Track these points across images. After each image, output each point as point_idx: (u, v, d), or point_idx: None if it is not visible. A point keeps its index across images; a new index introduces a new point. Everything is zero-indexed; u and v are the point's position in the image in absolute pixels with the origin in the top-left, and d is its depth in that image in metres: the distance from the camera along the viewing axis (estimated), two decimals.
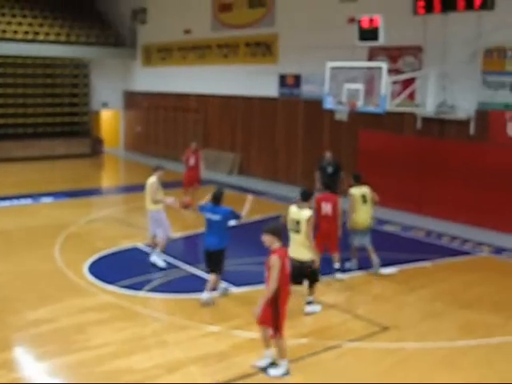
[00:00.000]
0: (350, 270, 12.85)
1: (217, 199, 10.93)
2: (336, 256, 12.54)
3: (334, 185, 15.41)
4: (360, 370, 8.73)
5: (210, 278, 10.98)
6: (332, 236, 12.39)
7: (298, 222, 10.30)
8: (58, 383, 8.25)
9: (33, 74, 30.07)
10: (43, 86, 30.49)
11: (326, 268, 12.32)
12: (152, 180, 13.06)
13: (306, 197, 10.59)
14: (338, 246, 12.48)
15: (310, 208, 10.60)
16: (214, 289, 11.03)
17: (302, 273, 10.38)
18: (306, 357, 9.02)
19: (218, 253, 10.92)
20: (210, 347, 9.25)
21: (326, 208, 12.39)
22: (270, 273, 8.16)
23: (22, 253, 13.61)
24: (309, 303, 10.75)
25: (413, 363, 8.96)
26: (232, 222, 11.01)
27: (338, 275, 12.55)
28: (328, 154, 17.66)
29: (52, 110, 30.64)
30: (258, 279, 10.82)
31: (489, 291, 12.11)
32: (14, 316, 10.30)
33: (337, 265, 12.60)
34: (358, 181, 12.91)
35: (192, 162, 18.80)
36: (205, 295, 10.79)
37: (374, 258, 12.65)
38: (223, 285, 11.43)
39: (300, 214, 10.34)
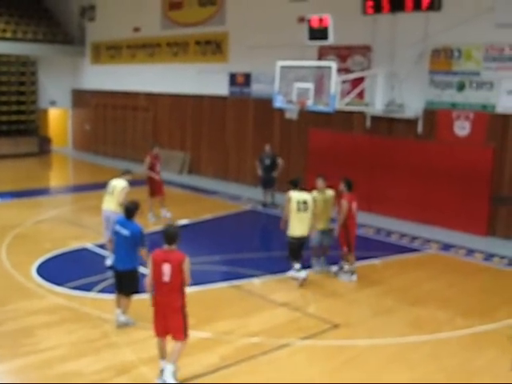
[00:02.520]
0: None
1: (129, 213, 9.82)
2: (352, 257, 12.78)
3: (269, 173, 19.09)
4: (312, 368, 8.78)
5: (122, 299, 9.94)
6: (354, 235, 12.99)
7: (304, 202, 11.86)
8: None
9: None
10: None
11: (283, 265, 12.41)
12: (123, 184, 12.90)
13: (296, 184, 12.13)
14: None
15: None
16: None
17: (302, 247, 12.04)
18: (258, 355, 9.03)
19: (126, 273, 9.77)
20: None
21: (353, 206, 12.42)
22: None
23: None
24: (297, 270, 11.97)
25: (364, 360, 9.05)
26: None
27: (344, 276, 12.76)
28: (267, 147, 19.33)
29: None
30: (210, 278, 10.82)
31: (437, 287, 12.32)
32: None
33: (347, 267, 12.79)
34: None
35: (158, 168, 17.36)
36: (121, 318, 9.88)
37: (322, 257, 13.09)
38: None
39: (304, 195, 11.96)
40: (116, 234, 9.81)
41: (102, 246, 14.00)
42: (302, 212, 11.81)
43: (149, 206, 16.91)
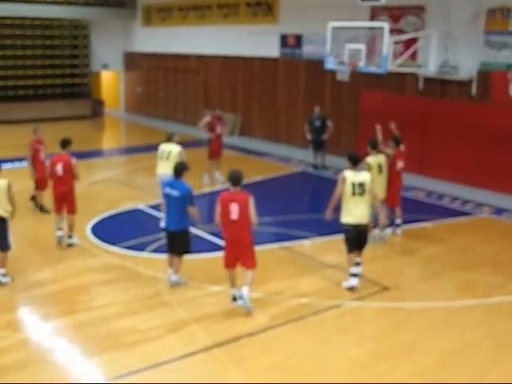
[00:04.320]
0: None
1: (178, 173, 9.86)
2: (399, 211, 12.84)
3: (319, 136, 18.80)
4: (361, 329, 8.85)
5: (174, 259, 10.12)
6: (400, 190, 12.89)
7: (361, 185, 9.95)
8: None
9: (32, 36, 29.84)
10: (43, 48, 30.29)
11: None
12: (178, 149, 12.92)
13: (356, 162, 10.14)
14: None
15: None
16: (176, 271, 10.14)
17: (360, 239, 10.14)
18: (307, 316, 9.14)
19: (179, 234, 9.96)
20: (212, 307, 9.37)
21: (399, 164, 12.46)
22: None
23: (25, 215, 13.64)
24: (354, 275, 10.19)
25: (412, 322, 9.08)
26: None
27: (399, 230, 12.89)
28: (317, 109, 19.03)
29: (52, 71, 30.49)
30: (261, 240, 10.90)
31: (489, 252, 12.20)
32: (19, 277, 10.39)
33: (399, 221, 12.89)
34: (375, 148, 12.21)
35: (219, 130, 17.34)
36: (173, 278, 10.09)
37: (382, 232, 12.51)
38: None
39: (361, 175, 10.05)
40: (166, 195, 9.89)
41: (154, 207, 14.24)
42: (358, 196, 9.96)
43: (206, 167, 17.10)
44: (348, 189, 9.92)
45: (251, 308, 9.11)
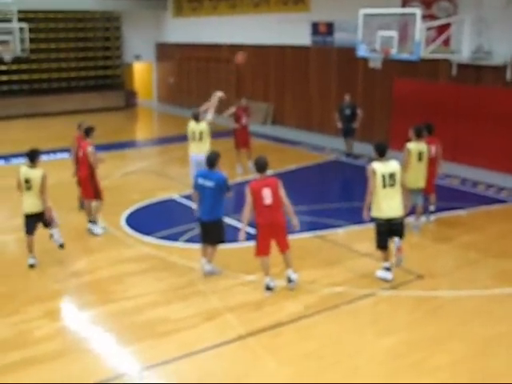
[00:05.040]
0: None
1: (211, 163, 9.87)
2: (433, 197, 12.81)
3: (350, 124, 18.76)
4: (395, 318, 8.83)
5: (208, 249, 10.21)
6: (434, 177, 12.81)
7: (392, 175, 9.65)
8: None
9: (65, 29, 30.12)
10: (75, 40, 30.56)
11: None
12: (204, 125, 13.61)
13: (382, 152, 9.83)
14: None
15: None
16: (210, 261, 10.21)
17: (393, 232, 9.90)
18: (341, 305, 9.14)
19: (213, 224, 9.99)
20: (246, 296, 9.42)
21: (433, 150, 12.40)
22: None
23: (61, 206, 13.81)
24: (386, 269, 10.05)
25: (447, 311, 9.02)
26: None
27: (432, 217, 12.88)
28: (347, 97, 18.94)
29: (85, 63, 30.78)
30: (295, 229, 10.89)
31: None
32: (56, 267, 10.57)
33: (432, 207, 12.86)
34: (420, 136, 11.97)
35: (244, 120, 17.40)
36: (207, 267, 10.16)
37: (417, 220, 12.41)
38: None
39: (391, 165, 9.73)
40: (200, 186, 9.85)
41: (188, 197, 14.32)
42: (389, 187, 9.67)
43: (236, 157, 17.18)
44: (378, 181, 9.62)
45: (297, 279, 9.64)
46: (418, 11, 15.42)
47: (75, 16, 30.26)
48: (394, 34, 15.73)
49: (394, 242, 9.97)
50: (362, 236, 12.05)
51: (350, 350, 7.90)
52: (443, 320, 8.73)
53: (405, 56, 15.79)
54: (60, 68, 30.04)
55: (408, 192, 10.80)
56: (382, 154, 9.82)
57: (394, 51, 15.77)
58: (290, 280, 9.58)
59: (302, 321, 8.67)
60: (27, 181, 10.25)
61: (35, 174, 10.27)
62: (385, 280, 9.95)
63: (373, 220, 9.96)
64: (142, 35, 32.31)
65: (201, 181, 9.84)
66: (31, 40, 27.15)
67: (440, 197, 12.99)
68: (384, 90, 20.39)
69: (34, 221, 10.46)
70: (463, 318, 8.78)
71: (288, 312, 8.90)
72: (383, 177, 9.63)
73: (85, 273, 10.40)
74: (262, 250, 9.42)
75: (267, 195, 9.14)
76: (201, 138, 13.15)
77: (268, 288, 9.44)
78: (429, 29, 16.71)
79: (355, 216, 12.45)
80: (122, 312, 8.97)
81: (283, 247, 9.49)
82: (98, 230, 12.23)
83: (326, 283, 9.88)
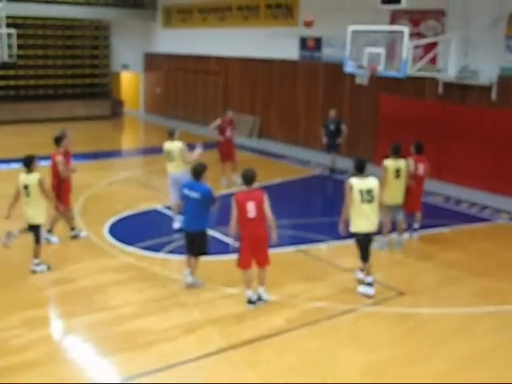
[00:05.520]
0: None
1: (197, 174, 9.88)
2: (419, 215, 12.86)
3: (334, 139, 18.73)
4: (376, 334, 8.84)
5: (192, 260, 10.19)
6: (420, 195, 12.89)
7: (369, 191, 9.81)
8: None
9: (53, 36, 30.12)
10: (63, 48, 30.58)
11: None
12: (179, 145, 12.93)
13: (361, 168, 9.97)
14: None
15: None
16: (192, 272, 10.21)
17: (367, 245, 10.09)
18: (323, 320, 9.13)
19: (196, 235, 10.00)
20: (228, 309, 9.39)
21: (421, 169, 12.51)
22: None
23: None
24: (369, 284, 10.11)
25: (428, 328, 9.04)
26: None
27: (416, 235, 12.91)
28: (332, 113, 18.91)
29: (72, 71, 30.76)
30: (278, 242, 10.88)
31: (506, 258, 12.10)
32: (36, 275, 10.49)
33: (417, 225, 12.89)
34: (397, 153, 12.03)
35: (229, 133, 17.37)
36: (189, 279, 10.13)
37: (400, 237, 12.41)
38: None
39: (370, 182, 9.89)
40: (185, 197, 9.90)
41: (171, 208, 14.30)
42: (367, 203, 9.83)
43: (221, 170, 17.17)
44: (356, 196, 9.79)
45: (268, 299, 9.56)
46: (405, 29, 15.52)
47: (64, 23, 30.29)
48: (381, 50, 15.81)
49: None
50: (345, 251, 12.04)
51: (331, 366, 7.89)
52: (423, 337, 8.75)
53: (392, 73, 15.88)
54: (47, 75, 29.98)
55: (386, 209, 11.05)
56: (360, 170, 9.97)
57: (381, 68, 15.86)
58: (260, 299, 9.51)
59: (283, 335, 8.66)
60: (26, 187, 10.41)
61: (32, 179, 10.41)
62: (366, 296, 9.97)
63: (353, 235, 10.10)
64: (130, 45, 32.32)
65: (186, 191, 9.86)
66: (19, 46, 27.10)
67: (423, 214, 13.05)
68: (370, 107, 20.50)
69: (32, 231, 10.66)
70: (443, 336, 8.80)
71: (269, 326, 8.88)
72: (361, 192, 9.79)
73: (66, 282, 10.32)
74: (245, 263, 9.37)
75: (251, 209, 9.09)
76: (174, 158, 12.96)
77: (250, 301, 9.42)
78: (416, 47, 16.83)
79: (338, 231, 12.49)
80: (102, 322, 8.91)
81: (263, 262, 9.41)
82: (53, 239, 12.14)
83: (308, 298, 9.87)
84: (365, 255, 10.06)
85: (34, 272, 10.60)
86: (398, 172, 12.04)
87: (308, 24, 18.02)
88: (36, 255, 10.67)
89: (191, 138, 24.91)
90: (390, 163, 12.00)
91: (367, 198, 9.81)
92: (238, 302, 9.60)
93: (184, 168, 12.74)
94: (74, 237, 12.35)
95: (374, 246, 10.73)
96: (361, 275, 10.31)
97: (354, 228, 9.99)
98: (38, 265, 10.66)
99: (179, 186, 11.14)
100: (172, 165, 13.02)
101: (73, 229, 12.45)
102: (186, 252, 10.24)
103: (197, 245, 10.03)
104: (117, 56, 32.24)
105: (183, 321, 8.98)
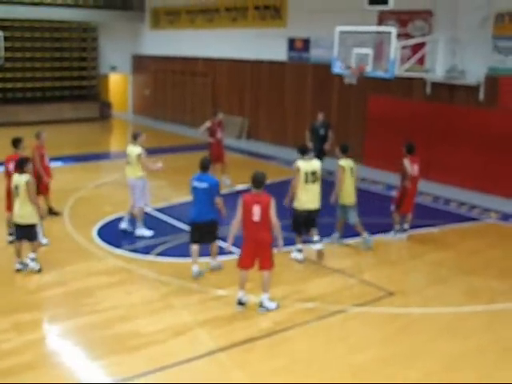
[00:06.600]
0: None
1: (205, 167, 10.54)
2: (409, 216, 12.93)
3: (322, 145, 17.85)
4: (365, 335, 8.85)
5: (195, 248, 10.67)
6: (414, 196, 13.07)
7: (313, 173, 11.17)
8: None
9: (41, 38, 29.95)
10: (51, 50, 30.40)
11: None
12: (137, 151, 12.62)
13: (304, 151, 11.44)
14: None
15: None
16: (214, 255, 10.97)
17: (309, 221, 11.38)
18: (312, 321, 9.14)
19: (207, 224, 10.56)
20: (217, 311, 9.37)
21: (415, 169, 12.61)
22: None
23: None
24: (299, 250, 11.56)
25: (418, 328, 9.07)
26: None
27: (401, 235, 12.95)
28: (320, 116, 18.26)
29: (60, 73, 30.60)
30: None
31: (495, 257, 12.17)
32: (25, 279, 10.44)
33: (407, 225, 12.94)
34: (346, 152, 12.38)
35: (219, 135, 17.18)
36: (213, 263, 10.92)
37: (363, 233, 12.42)
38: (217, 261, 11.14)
39: (314, 164, 11.27)
40: (194, 189, 10.43)
41: (160, 210, 14.29)
42: (311, 183, 11.18)
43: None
44: (302, 177, 11.10)
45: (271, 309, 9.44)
46: (393, 30, 15.58)
47: (52, 25, 30.11)
48: (369, 51, 15.87)
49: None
50: (335, 252, 12.10)
51: (321, 366, 7.89)
52: (413, 336, 8.77)
53: (380, 74, 15.93)
54: (35, 77, 29.83)
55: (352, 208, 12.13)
56: (303, 153, 11.37)
57: (368, 68, 15.90)
58: (261, 305, 9.43)
59: (273, 336, 8.65)
60: (16, 187, 10.50)
61: (21, 179, 10.45)
62: (296, 260, 11.41)
63: (293, 210, 11.45)
64: (118, 47, 32.23)
65: (195, 183, 10.43)
66: (6, 48, 27.00)
67: (413, 214, 13.08)
68: (358, 107, 20.54)
69: (20, 232, 10.64)
70: (433, 335, 8.83)
71: (259, 327, 8.88)
72: (306, 174, 11.12)
73: (55, 285, 10.28)
74: (243, 263, 9.41)
75: (257, 212, 9.11)
76: (130, 162, 12.80)
77: (240, 303, 9.42)
78: (404, 47, 16.91)
79: (329, 232, 12.53)
80: (92, 325, 8.88)
81: (264, 265, 9.35)
82: (44, 241, 12.00)
83: (297, 299, 9.87)
84: (297, 228, 11.47)
85: (24, 264, 10.66)
86: (351, 170, 12.21)
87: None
88: (34, 250, 10.74)
89: (180, 140, 24.99)
90: (344, 163, 12.19)
91: (312, 178, 11.15)
92: (227, 303, 9.59)
93: (138, 175, 12.68)
94: (12, 242, 11.69)
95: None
96: (298, 256, 11.55)
97: (297, 205, 11.36)
98: (33, 260, 10.71)
99: (135, 191, 12.46)
100: (128, 169, 12.85)
101: (11, 234, 11.90)
102: (191, 242, 10.66)
103: (210, 233, 10.61)
104: (105, 58, 32.13)
105: (172, 323, 8.96)
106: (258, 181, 9.28)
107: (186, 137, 25.64)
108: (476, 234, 13.64)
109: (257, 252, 9.30)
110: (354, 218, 12.30)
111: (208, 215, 10.48)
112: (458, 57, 16.97)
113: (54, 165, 18.48)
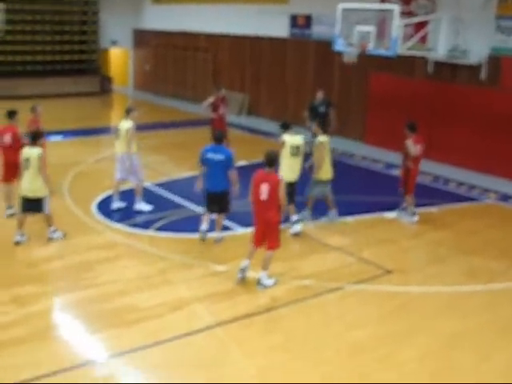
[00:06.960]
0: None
1: (219, 140, 10.95)
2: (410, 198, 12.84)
3: (326, 124, 16.24)
4: (362, 313, 8.87)
5: (217, 217, 11.22)
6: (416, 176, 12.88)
7: (297, 147, 11.69)
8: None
9: (41, 11, 29.71)
10: (52, 23, 30.17)
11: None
12: (127, 125, 12.59)
13: (287, 126, 11.99)
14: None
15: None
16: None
17: (292, 193, 11.57)
18: (309, 298, 9.16)
19: (221, 194, 10.93)
20: (216, 286, 9.40)
21: (419, 149, 12.44)
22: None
23: None
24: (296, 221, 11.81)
25: (415, 306, 9.10)
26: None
27: (413, 218, 12.81)
28: (320, 94, 17.87)
29: (61, 47, 30.41)
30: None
31: (494, 238, 12.18)
32: (24, 252, 10.46)
33: (405, 204, 12.91)
34: (287, 129, 12.16)
35: (222, 110, 17.31)
36: (217, 234, 11.14)
37: (333, 209, 12.53)
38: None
39: (297, 139, 11.78)
40: (209, 160, 10.72)
41: (160, 185, 14.28)
42: (295, 157, 11.68)
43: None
44: (287, 150, 11.59)
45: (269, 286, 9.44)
46: (396, 7, 15.47)
47: None
48: (371, 29, 15.76)
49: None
50: (333, 230, 12.11)
51: (317, 343, 7.93)
52: (411, 315, 8.80)
53: (382, 51, 15.84)
54: (35, 51, 29.63)
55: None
56: (286, 127, 11.94)
57: (370, 46, 15.80)
58: (259, 282, 9.43)
59: (270, 313, 8.69)
60: (26, 160, 10.54)
61: (33, 152, 10.52)
62: (296, 234, 11.65)
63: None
64: (119, 21, 31.99)
65: (210, 155, 10.72)
66: (6, 21, 26.80)
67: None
68: (360, 85, 20.44)
69: (28, 205, 10.70)
70: (431, 314, 8.86)
71: (256, 304, 8.91)
72: (291, 147, 11.61)
73: (54, 259, 10.31)
74: (253, 239, 9.50)
75: (264, 190, 9.13)
76: (119, 136, 12.71)
77: (241, 270, 9.44)
78: (406, 25, 16.77)
79: (327, 210, 12.52)
80: (91, 299, 8.90)
81: (269, 244, 9.35)
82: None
83: (295, 276, 9.89)
84: (290, 199, 11.24)
85: (50, 239, 10.93)
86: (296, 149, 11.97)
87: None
88: (50, 223, 10.95)
89: (181, 115, 24.90)
90: (323, 139, 12.15)
91: (295, 152, 11.61)
92: (226, 279, 9.61)
93: (125, 150, 12.59)
94: (11, 215, 11.97)
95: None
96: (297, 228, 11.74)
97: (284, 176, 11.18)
98: (54, 231, 10.98)
99: (123, 165, 12.53)
100: (116, 143, 12.78)
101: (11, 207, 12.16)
102: (206, 209, 11.10)
103: (221, 203, 10.98)
104: (106, 32, 31.90)
105: (170, 298, 8.99)
106: (269, 159, 9.30)
107: (187, 112, 25.54)
108: (475, 215, 13.63)
109: (265, 232, 9.34)
110: (329, 193, 12.42)
111: (221, 185, 10.83)
112: (460, 36, 16.84)
113: (54, 139, 18.59)
